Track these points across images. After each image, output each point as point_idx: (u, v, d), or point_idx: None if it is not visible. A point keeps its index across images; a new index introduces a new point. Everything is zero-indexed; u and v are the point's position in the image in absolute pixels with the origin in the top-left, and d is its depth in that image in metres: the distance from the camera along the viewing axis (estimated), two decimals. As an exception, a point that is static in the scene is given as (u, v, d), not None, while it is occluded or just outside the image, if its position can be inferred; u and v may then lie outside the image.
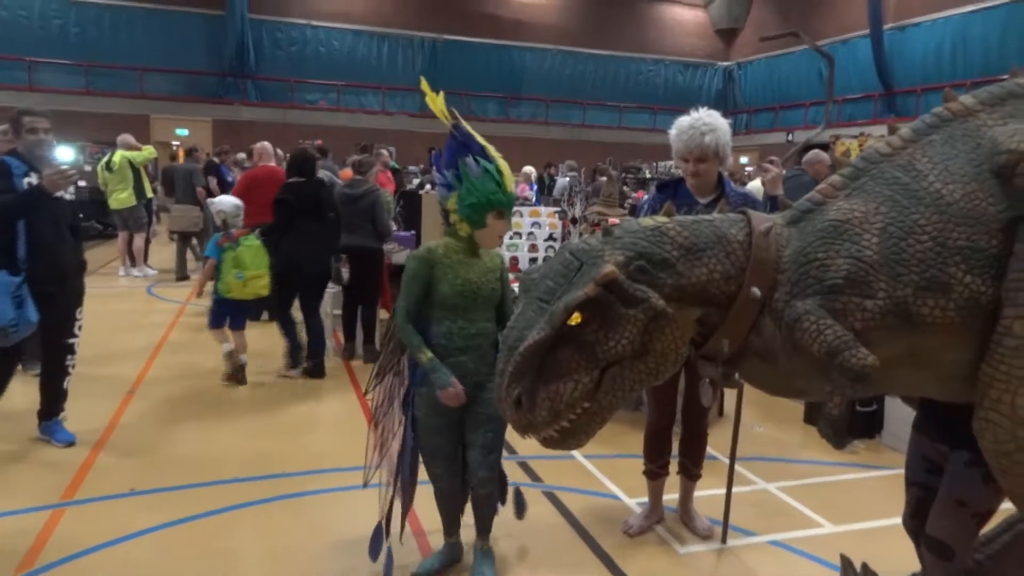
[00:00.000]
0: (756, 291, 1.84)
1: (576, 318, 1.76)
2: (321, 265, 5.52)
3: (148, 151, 10.27)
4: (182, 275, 9.64)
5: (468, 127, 2.61)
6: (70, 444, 4.10)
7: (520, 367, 1.78)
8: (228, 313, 5.21)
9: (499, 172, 2.57)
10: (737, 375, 2.06)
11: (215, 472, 3.82)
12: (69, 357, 4.16)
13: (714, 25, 24.34)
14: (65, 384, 4.20)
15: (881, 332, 1.78)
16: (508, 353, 1.81)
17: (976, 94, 1.97)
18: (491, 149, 2.62)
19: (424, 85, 2.64)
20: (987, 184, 1.82)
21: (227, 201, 5.40)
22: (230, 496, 3.54)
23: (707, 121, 2.97)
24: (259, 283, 5.09)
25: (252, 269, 5.04)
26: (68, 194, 4.00)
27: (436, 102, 2.59)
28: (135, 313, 7.78)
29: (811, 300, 1.79)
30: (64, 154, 4.03)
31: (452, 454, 2.76)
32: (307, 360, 5.60)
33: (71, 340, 4.15)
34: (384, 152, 10.74)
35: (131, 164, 9.74)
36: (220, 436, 4.37)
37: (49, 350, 4.13)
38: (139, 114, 17.94)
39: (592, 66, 22.88)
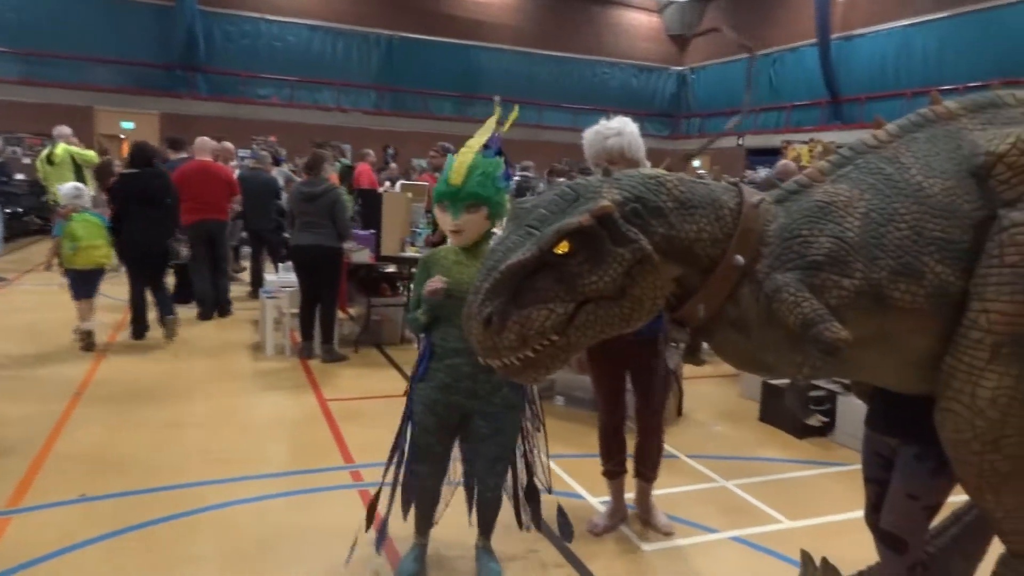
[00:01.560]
0: (740, 259, 1.88)
1: (564, 247, 1.75)
2: (158, 245, 6.31)
3: (92, 156, 9.97)
4: None
5: (499, 132, 2.65)
6: None
7: (498, 285, 1.76)
8: (80, 283, 5.87)
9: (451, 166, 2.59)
10: (707, 346, 2.10)
11: (170, 476, 3.71)
12: None
13: (667, 30, 24.72)
14: None
15: (854, 311, 1.85)
16: (488, 272, 1.79)
17: (959, 100, 2.09)
18: (477, 141, 2.61)
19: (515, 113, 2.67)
20: (964, 182, 1.92)
21: (67, 186, 6.22)
22: (187, 501, 3.44)
23: (611, 126, 3.09)
24: (96, 253, 5.81)
25: (85, 240, 5.71)
26: None
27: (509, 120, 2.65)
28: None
29: (791, 274, 1.85)
30: None
31: (441, 456, 2.77)
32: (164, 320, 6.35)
33: None
34: (371, 153, 10.66)
35: (73, 159, 9.40)
36: (174, 438, 4.25)
37: None
38: (82, 105, 17.25)
39: (548, 67, 22.97)
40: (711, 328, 2.01)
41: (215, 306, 7.43)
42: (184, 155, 8.26)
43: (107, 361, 5.73)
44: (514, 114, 2.67)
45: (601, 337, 1.87)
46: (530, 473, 2.97)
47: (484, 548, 2.93)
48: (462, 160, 2.59)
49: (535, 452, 2.97)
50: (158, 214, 6.22)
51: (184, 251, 6.95)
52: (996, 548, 2.18)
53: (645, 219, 1.84)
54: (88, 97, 17.61)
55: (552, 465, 4.07)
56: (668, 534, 3.34)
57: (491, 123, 2.65)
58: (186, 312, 7.50)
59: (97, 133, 16.52)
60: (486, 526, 2.91)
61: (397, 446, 2.86)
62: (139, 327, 6.39)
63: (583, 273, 1.77)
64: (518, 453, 2.92)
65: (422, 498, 2.84)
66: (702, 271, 1.93)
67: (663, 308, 2.03)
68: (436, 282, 2.56)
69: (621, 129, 3.08)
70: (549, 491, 3.02)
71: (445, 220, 2.61)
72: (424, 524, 2.90)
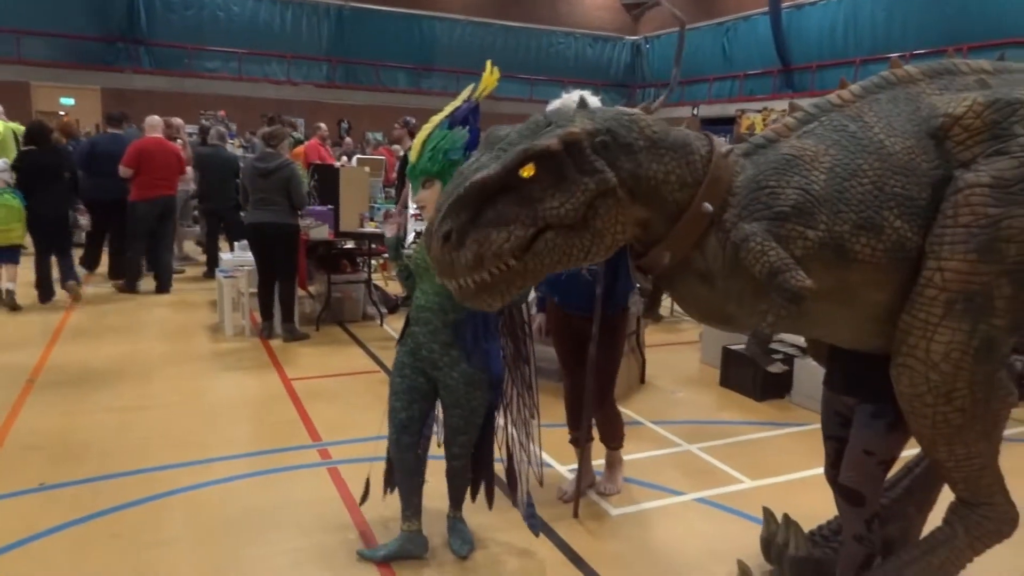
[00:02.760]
0: (708, 206, 1.92)
1: (529, 170, 1.76)
2: (59, 216, 6.84)
3: (20, 128, 9.59)
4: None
5: (475, 98, 2.64)
6: None
7: (461, 201, 1.76)
8: None
9: None
10: (668, 296, 2.16)
11: (133, 461, 3.64)
12: None
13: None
14: None
15: (817, 263, 1.92)
16: (453, 190, 1.80)
17: (918, 66, 2.16)
18: (439, 115, 2.61)
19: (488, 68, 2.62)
20: (923, 143, 2.00)
21: None
22: (152, 485, 3.39)
23: (567, 100, 3.09)
24: (10, 235, 6.50)
25: (1, 224, 6.42)
26: None
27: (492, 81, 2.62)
28: (26, 295, 7.24)
29: (758, 224, 1.90)
30: None
31: (405, 423, 2.72)
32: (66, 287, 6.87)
33: None
34: (321, 126, 10.42)
35: (15, 136, 9.02)
36: (135, 423, 4.16)
37: None
38: (17, 81, 16.51)
39: (503, 38, 22.70)
40: (674, 277, 2.05)
41: (151, 275, 7.62)
42: (119, 131, 7.99)
43: (60, 346, 5.57)
44: (492, 80, 2.62)
45: (558, 268, 1.88)
46: (510, 457, 2.94)
47: (456, 518, 2.95)
48: (419, 136, 2.60)
49: (517, 437, 2.92)
50: (59, 187, 6.73)
51: (84, 221, 7.49)
52: (946, 496, 2.29)
53: (613, 153, 1.86)
54: (23, 72, 16.83)
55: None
56: (600, 493, 3.42)
57: (464, 93, 2.63)
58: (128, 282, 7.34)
59: (35, 110, 15.84)
60: (455, 496, 2.93)
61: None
62: (45, 291, 6.80)
63: (546, 198, 1.78)
64: (505, 433, 2.92)
65: (397, 472, 2.80)
66: (668, 218, 1.95)
67: (630, 257, 2.07)
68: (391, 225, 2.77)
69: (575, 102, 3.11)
70: (540, 483, 3.04)
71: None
72: (404, 505, 2.83)
